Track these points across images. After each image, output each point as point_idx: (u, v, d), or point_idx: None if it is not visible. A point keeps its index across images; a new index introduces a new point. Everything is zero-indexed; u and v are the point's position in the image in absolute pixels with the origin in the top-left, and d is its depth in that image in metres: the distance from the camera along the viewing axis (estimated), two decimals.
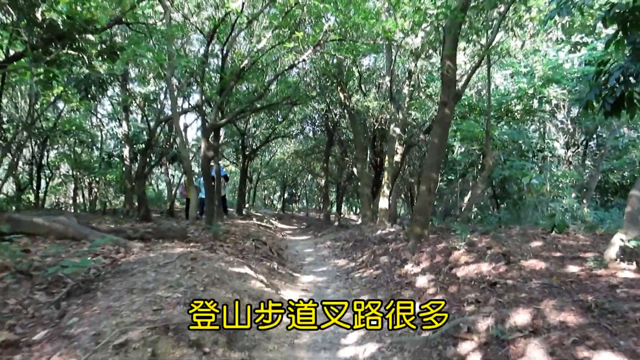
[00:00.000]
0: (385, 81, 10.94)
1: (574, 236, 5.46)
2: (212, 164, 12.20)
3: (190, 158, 19.29)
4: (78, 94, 9.86)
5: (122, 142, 16.15)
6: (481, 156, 11.49)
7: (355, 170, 16.50)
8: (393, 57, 10.63)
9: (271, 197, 40.63)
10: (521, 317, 3.08)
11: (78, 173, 19.70)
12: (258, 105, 10.90)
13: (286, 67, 7.80)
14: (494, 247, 5.03)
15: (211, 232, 6.31)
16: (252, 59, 7.23)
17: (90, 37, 10.05)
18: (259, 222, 13.30)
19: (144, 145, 16.84)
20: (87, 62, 10.66)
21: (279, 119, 15.56)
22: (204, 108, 7.32)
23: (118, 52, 9.99)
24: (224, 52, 7.78)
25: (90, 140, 21.49)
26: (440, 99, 6.53)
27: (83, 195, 20.93)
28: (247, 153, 15.58)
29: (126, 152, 14.47)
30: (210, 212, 6.63)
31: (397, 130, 10.53)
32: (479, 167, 11.46)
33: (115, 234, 5.34)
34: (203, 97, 6.34)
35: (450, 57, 6.25)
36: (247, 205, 24.86)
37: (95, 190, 20.88)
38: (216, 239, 6.22)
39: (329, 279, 6.47)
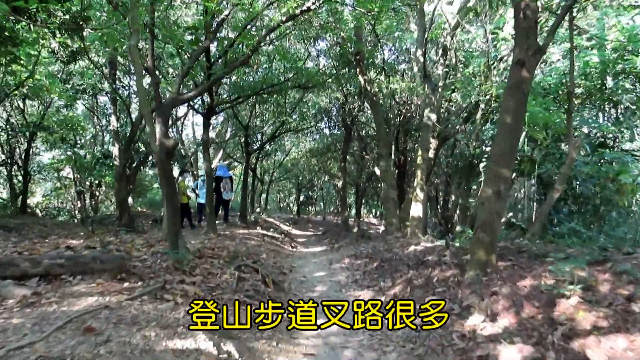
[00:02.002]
0: (417, 55, 8.75)
1: None
2: (211, 164, 10.19)
3: (190, 156, 17.47)
4: None
5: (112, 139, 14.42)
6: (534, 150, 9.22)
7: (376, 169, 14.30)
8: (427, 23, 8.43)
9: (286, 200, 38.71)
10: None
11: (78, 176, 18.26)
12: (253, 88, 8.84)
13: (283, 20, 5.71)
14: None
15: (172, 260, 4.25)
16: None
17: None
18: (264, 232, 11.24)
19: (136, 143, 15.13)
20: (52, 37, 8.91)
21: (288, 111, 13.40)
22: (158, 74, 5.22)
23: (83, 24, 8.16)
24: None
25: (90, 139, 20.04)
26: (513, 57, 4.34)
27: (84, 200, 19.46)
28: (250, 150, 13.45)
29: (115, 150, 12.62)
30: (174, 229, 4.55)
31: (433, 116, 8.32)
32: (529, 162, 9.18)
33: None
34: (153, 53, 4.23)
35: None
36: (257, 210, 22.89)
37: (97, 194, 19.36)
38: (178, 270, 4.15)
39: (347, 329, 4.33)
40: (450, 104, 10.07)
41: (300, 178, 27.41)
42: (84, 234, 8.53)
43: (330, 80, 11.52)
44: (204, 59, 6.34)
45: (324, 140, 20.35)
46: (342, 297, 5.60)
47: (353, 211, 24.10)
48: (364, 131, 16.58)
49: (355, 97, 14.21)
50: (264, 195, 26.64)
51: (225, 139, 17.35)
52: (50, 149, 18.58)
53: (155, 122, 4.20)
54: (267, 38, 9.72)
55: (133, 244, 5.67)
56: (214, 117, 20.19)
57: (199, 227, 10.80)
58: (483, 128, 9.81)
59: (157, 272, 4.00)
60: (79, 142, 18.72)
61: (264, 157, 20.80)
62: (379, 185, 21.99)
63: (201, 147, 21.76)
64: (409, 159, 15.85)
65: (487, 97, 9.29)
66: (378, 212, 32.02)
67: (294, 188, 31.56)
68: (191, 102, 8.92)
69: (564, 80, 9.03)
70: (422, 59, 8.30)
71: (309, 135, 20.67)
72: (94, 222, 8.84)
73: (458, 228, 10.60)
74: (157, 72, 4.74)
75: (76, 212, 18.97)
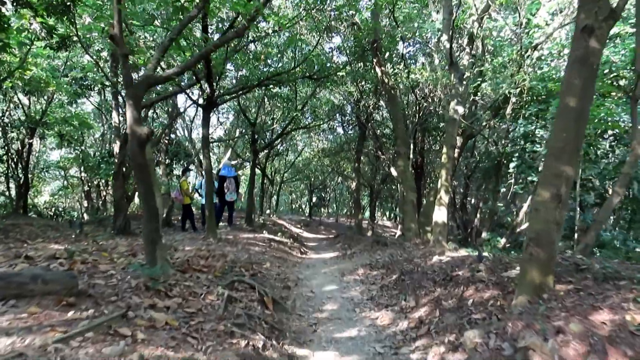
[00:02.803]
0: (442, 40, 7.82)
1: None
2: (216, 166, 9.30)
3: (196, 154, 16.71)
4: None
5: (113, 136, 13.76)
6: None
7: (393, 170, 13.38)
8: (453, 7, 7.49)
9: (299, 201, 37.95)
10: None
11: (85, 175, 17.81)
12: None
13: None
14: None
15: (144, 277, 3.41)
16: None
17: None
18: (271, 236, 10.39)
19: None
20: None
21: (298, 106, 12.49)
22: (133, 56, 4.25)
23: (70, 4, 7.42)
24: None
25: (99, 137, 19.53)
26: (577, 24, 3.40)
27: (91, 199, 18.99)
28: (257, 148, 12.56)
29: (116, 148, 11.89)
30: (151, 237, 3.70)
31: (460, 109, 7.37)
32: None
33: None
34: (120, 17, 3.36)
35: None
36: (267, 212, 22.11)
37: (104, 193, 18.83)
38: (150, 290, 3.31)
39: None
40: (477, 96, 9.09)
41: (312, 179, 26.57)
42: (74, 237, 7.80)
43: (343, 73, 10.63)
44: (201, 39, 5.55)
45: (337, 140, 19.55)
46: (356, 318, 4.72)
47: (367, 213, 23.24)
48: (379, 130, 15.67)
49: (371, 94, 13.34)
50: (273, 198, 25.79)
51: (234, 137, 16.56)
52: (58, 147, 18.14)
53: (125, 105, 3.38)
54: (276, 26, 8.92)
55: (111, 252, 4.86)
56: (221, 112, 19.52)
57: (202, 231, 10.07)
58: (514, 124, 8.86)
59: (122, 294, 3.15)
60: (87, 140, 18.20)
61: (275, 156, 20.03)
62: (394, 187, 21.08)
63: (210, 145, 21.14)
64: (426, 160, 14.94)
65: (519, 89, 8.34)
66: (392, 215, 31.07)
67: (306, 189, 30.77)
68: (191, 94, 8.11)
69: (606, 71, 8.06)
70: (448, 45, 7.37)
71: (321, 134, 19.86)
72: (83, 224, 8.05)
73: (484, 235, 9.62)
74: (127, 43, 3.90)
75: (83, 211, 18.45)
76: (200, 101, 9.29)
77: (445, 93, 8.32)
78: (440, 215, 7.47)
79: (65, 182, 21.05)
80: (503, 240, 10.18)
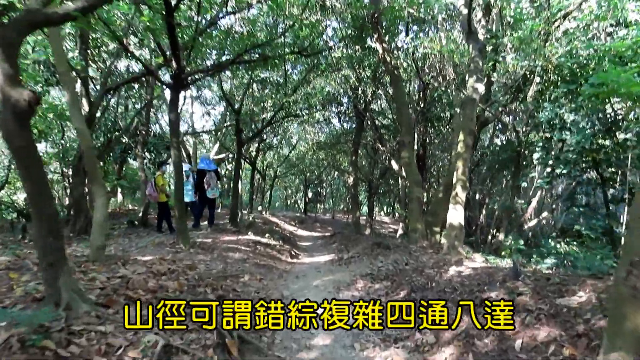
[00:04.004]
0: (458, 4, 6.55)
1: None
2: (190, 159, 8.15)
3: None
4: None
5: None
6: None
7: (394, 164, 12.17)
8: None
9: (294, 197, 36.70)
10: None
11: (66, 170, 16.55)
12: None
13: None
14: None
15: (22, 326, 2.15)
16: None
17: None
18: (257, 238, 9.15)
19: (118, 132, 13.20)
20: None
21: (289, 92, 11.15)
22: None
23: None
24: None
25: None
26: None
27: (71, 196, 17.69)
28: (243, 139, 11.19)
29: None
30: (47, 258, 2.44)
31: (480, 87, 6.12)
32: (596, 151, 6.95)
33: None
34: None
35: None
36: (259, 208, 20.87)
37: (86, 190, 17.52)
38: (25, 349, 2.07)
39: None
40: (494, 76, 7.82)
41: (307, 174, 25.31)
42: (19, 242, 6.52)
43: (339, 54, 9.36)
44: None
45: (333, 132, 18.35)
46: (356, 359, 3.49)
47: (364, 209, 22.07)
48: (378, 120, 14.44)
49: (369, 82, 12.09)
50: (267, 193, 24.52)
51: (220, 127, 15.26)
52: (37, 142, 16.82)
53: None
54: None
55: (27, 270, 3.61)
56: (211, 104, 18.20)
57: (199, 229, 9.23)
58: (537, 108, 7.65)
59: None
60: (68, 133, 16.90)
61: (267, 149, 18.78)
62: (392, 181, 19.88)
63: (196, 136, 19.79)
64: (428, 152, 13.73)
65: (544, 66, 7.11)
66: (391, 210, 29.87)
67: (301, 184, 29.53)
68: (158, 74, 6.84)
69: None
70: (465, 10, 6.10)
71: (316, 125, 18.62)
72: (26, 227, 6.77)
73: (501, 237, 8.40)
74: None
75: (64, 209, 17.20)
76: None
77: (458, 72, 7.07)
78: (455, 215, 6.22)
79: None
80: (517, 241, 9.02)
